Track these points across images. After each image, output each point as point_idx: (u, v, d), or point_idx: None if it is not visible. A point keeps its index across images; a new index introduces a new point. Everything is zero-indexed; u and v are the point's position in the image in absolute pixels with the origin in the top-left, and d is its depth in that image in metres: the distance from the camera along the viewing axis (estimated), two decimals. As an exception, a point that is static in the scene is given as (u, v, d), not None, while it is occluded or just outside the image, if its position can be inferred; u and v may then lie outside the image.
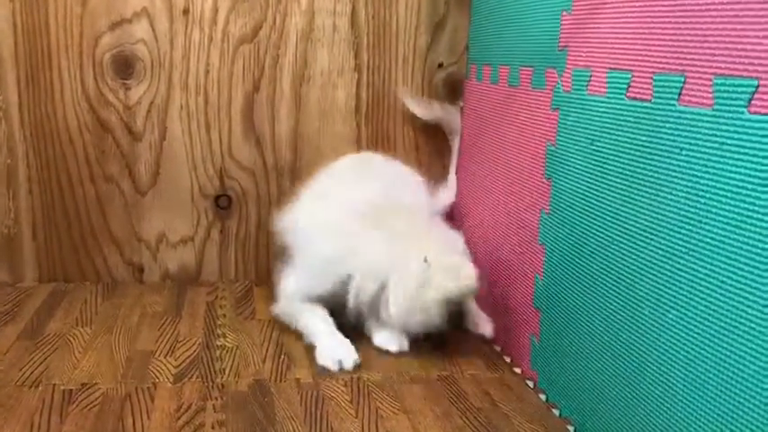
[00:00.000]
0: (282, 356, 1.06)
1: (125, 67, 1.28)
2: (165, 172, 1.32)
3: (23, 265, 1.31)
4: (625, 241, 0.76)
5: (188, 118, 1.31)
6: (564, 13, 0.90)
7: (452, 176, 1.36)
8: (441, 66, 1.37)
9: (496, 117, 1.12)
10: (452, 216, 1.32)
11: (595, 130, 0.82)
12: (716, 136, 0.63)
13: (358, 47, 1.34)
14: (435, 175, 1.37)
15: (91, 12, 1.25)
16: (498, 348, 1.11)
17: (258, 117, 1.33)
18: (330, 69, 1.34)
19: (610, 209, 0.79)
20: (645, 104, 0.73)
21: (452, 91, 1.38)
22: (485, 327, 1.14)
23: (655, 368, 0.71)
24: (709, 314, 0.64)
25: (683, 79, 0.67)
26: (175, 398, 0.92)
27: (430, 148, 1.40)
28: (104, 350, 1.05)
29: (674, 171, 0.68)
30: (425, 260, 1.02)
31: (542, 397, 0.96)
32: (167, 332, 1.13)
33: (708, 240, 0.64)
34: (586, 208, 0.84)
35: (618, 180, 0.78)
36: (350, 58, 1.34)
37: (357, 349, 1.05)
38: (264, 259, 1.39)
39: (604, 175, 0.80)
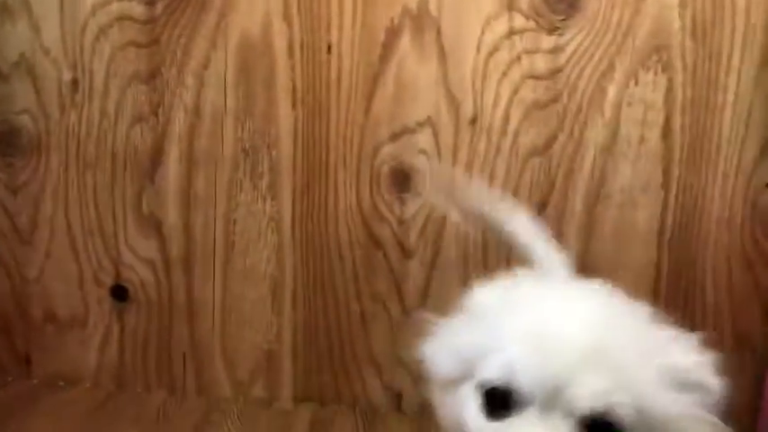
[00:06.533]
0: None
1: (403, 179, 1.16)
2: (435, 292, 1.19)
3: (281, 384, 1.23)
4: None
5: (465, 236, 1.17)
6: None
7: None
8: (769, 186, 1.13)
9: None
10: None
11: None
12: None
13: (668, 161, 1.13)
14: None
15: (373, 121, 1.15)
16: None
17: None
18: (632, 186, 1.14)
19: None
20: None
21: (783, 218, 1.13)
22: None
23: None
24: None
25: None
26: None
27: (748, 289, 1.15)
28: None
29: None
30: None
31: None
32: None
33: None
34: None
35: None
36: (657, 175, 1.14)
37: None
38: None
39: None
